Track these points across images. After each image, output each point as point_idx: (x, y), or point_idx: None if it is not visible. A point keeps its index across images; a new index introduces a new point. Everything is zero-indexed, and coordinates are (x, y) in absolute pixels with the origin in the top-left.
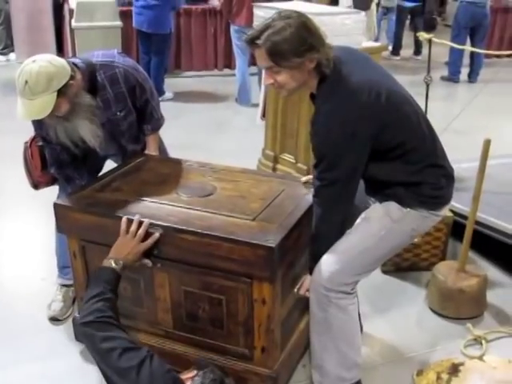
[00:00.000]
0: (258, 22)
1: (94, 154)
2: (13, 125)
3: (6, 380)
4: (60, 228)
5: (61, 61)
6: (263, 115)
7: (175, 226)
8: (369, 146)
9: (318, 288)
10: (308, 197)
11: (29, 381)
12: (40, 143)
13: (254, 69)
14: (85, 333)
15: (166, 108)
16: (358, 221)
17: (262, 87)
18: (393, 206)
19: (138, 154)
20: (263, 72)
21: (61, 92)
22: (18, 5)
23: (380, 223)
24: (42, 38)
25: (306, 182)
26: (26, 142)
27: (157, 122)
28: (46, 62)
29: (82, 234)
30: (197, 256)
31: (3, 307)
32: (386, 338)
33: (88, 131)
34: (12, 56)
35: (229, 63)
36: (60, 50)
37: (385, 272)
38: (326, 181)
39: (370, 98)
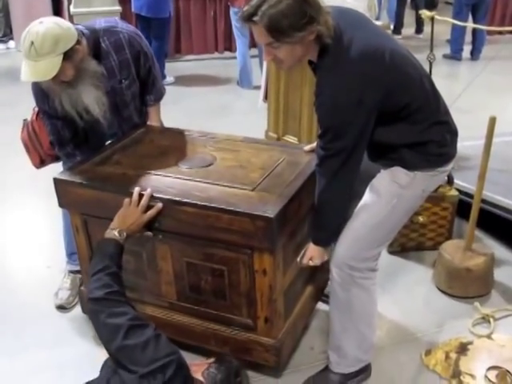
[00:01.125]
0: None
1: (97, 129)
2: (13, 113)
3: (14, 367)
4: (61, 203)
5: (68, 24)
6: (265, 97)
7: (175, 198)
8: (375, 113)
9: (341, 267)
10: (309, 165)
11: (36, 368)
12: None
13: (254, 51)
14: (92, 308)
15: (168, 92)
16: (367, 193)
17: (264, 69)
18: (399, 172)
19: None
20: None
21: (67, 55)
22: None
23: (389, 192)
24: None
25: (310, 151)
26: (25, 120)
27: (159, 92)
28: (53, 23)
29: (83, 209)
30: (197, 228)
31: (10, 295)
32: (393, 318)
33: (93, 98)
34: (11, 44)
35: (229, 46)
36: None
37: (391, 253)
38: (332, 150)
39: (374, 65)
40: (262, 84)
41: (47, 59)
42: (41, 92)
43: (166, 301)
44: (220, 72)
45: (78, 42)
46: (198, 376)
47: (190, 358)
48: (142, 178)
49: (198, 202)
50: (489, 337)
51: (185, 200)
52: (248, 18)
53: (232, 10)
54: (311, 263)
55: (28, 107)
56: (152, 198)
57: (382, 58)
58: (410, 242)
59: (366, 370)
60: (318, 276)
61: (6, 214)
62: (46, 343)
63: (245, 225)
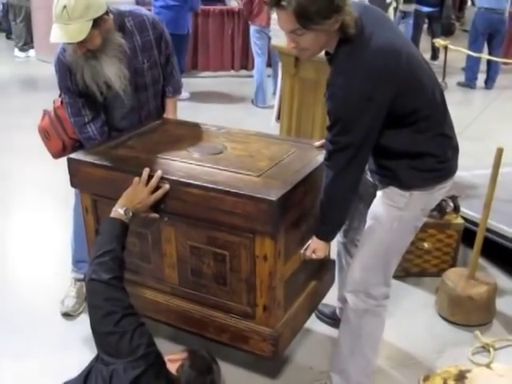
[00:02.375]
0: (274, 25)
1: (115, 109)
2: (29, 121)
3: (22, 371)
4: (73, 183)
5: None
6: (278, 117)
7: (181, 179)
8: (384, 111)
9: (357, 295)
10: (318, 158)
11: (43, 372)
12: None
13: (269, 70)
14: (92, 288)
15: (183, 107)
16: (368, 221)
17: (278, 89)
18: (394, 194)
19: (154, 117)
20: (279, 73)
21: (96, 23)
22: (38, 2)
23: (389, 217)
24: None
25: (320, 147)
26: (45, 110)
27: (177, 83)
28: None
29: (94, 188)
30: (202, 210)
31: (17, 301)
32: (394, 342)
33: (114, 70)
34: (32, 53)
35: (245, 64)
36: None
37: (394, 277)
38: (340, 144)
39: (391, 63)
40: (276, 104)
41: (78, 23)
42: (64, 68)
43: (168, 285)
44: (235, 90)
45: (107, 13)
46: (173, 372)
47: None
48: (153, 161)
49: (204, 184)
50: (488, 366)
51: (190, 181)
52: (276, 3)
53: (253, 28)
54: (314, 256)
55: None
56: (160, 179)
57: (399, 58)
58: (413, 268)
59: None
60: (323, 275)
61: (15, 220)
62: (52, 348)
63: (248, 207)
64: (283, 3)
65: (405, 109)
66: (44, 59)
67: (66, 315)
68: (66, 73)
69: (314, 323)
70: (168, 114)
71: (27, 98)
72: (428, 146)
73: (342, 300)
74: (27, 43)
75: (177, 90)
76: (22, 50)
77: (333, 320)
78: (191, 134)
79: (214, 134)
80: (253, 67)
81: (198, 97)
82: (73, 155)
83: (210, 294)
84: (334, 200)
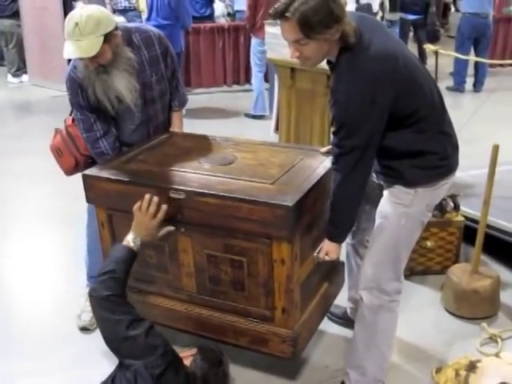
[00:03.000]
0: (269, 39)
1: (126, 124)
2: (25, 145)
3: None
4: (89, 198)
5: (107, 11)
6: (276, 128)
7: (197, 189)
8: (387, 114)
9: (371, 291)
10: (325, 164)
11: None
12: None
13: (266, 85)
14: (93, 304)
15: None
16: (377, 220)
17: (275, 101)
18: (400, 192)
19: (161, 131)
20: (276, 85)
21: (106, 38)
22: (30, 28)
23: (396, 214)
24: (54, 61)
25: (326, 153)
26: (57, 129)
27: (183, 97)
28: (95, 8)
29: (109, 203)
30: (218, 218)
31: (31, 319)
32: (404, 338)
33: (125, 84)
34: (25, 78)
35: (237, 79)
36: None
37: None
38: (345, 148)
39: (390, 67)
40: (274, 115)
41: (89, 39)
42: (75, 84)
43: (186, 293)
44: (229, 104)
45: (116, 28)
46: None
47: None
48: (166, 174)
49: (219, 193)
50: (497, 355)
51: (206, 191)
52: (281, 14)
53: (255, 41)
54: (327, 258)
55: (40, 140)
56: (175, 190)
57: (397, 62)
58: (418, 266)
59: None
60: (334, 277)
61: (23, 241)
62: (72, 363)
63: (264, 214)
64: (287, 14)
65: (405, 110)
66: (37, 83)
67: (84, 329)
68: (78, 89)
69: (326, 324)
70: (174, 128)
71: (22, 123)
72: (429, 145)
73: (353, 300)
74: (20, 69)
75: (182, 104)
76: (15, 75)
77: (344, 320)
78: (200, 146)
79: (221, 145)
80: (245, 81)
81: (193, 113)
82: (87, 171)
83: (228, 299)
84: (344, 202)
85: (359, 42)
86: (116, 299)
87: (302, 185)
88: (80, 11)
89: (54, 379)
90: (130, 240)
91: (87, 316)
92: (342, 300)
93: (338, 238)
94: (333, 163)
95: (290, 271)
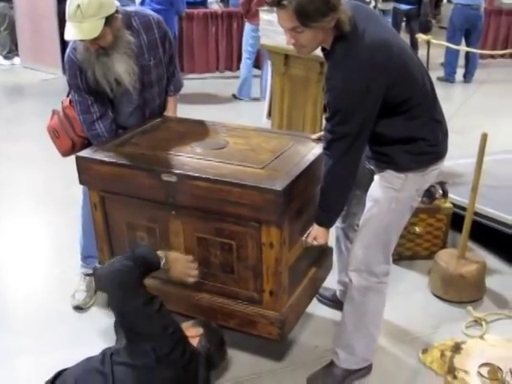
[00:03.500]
0: (263, 25)
1: (123, 106)
2: (18, 129)
3: (38, 365)
4: (82, 180)
5: None
6: (269, 114)
7: (189, 173)
8: (380, 101)
9: (360, 273)
10: (315, 150)
11: (59, 365)
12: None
13: (256, 71)
14: (111, 276)
15: None
16: (367, 203)
17: (268, 87)
18: (391, 177)
19: (156, 115)
20: (269, 70)
21: (108, 21)
22: (23, 10)
23: (387, 198)
24: (46, 43)
25: (317, 139)
26: (54, 110)
27: (178, 83)
28: None
29: (102, 185)
30: (209, 202)
31: (28, 299)
32: (392, 321)
33: (125, 67)
34: (16, 60)
35: (230, 65)
36: (64, 55)
37: None
38: (338, 134)
39: (384, 56)
40: (266, 101)
41: (91, 21)
42: (74, 66)
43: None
44: (221, 90)
45: (117, 11)
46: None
47: None
48: (158, 157)
49: (211, 177)
50: (481, 337)
51: (197, 175)
52: (278, 2)
53: (249, 27)
54: (315, 243)
55: (32, 124)
56: (167, 173)
57: (391, 51)
58: (406, 252)
59: (367, 367)
60: (322, 262)
61: (20, 223)
62: (66, 342)
63: (254, 198)
64: (284, 2)
65: (398, 98)
66: (29, 66)
67: (78, 308)
68: (77, 71)
69: (315, 306)
70: (168, 112)
71: (13, 106)
72: (420, 131)
73: (342, 283)
74: (12, 51)
75: (178, 89)
76: (6, 57)
77: (334, 302)
78: (193, 131)
79: (214, 130)
80: (237, 68)
81: (186, 98)
82: (81, 153)
83: (217, 282)
84: (334, 187)
85: (354, 31)
86: (130, 274)
87: (291, 170)
88: None
89: (49, 358)
90: (163, 258)
91: (81, 295)
92: (331, 283)
93: (326, 223)
94: (324, 148)
95: (278, 255)
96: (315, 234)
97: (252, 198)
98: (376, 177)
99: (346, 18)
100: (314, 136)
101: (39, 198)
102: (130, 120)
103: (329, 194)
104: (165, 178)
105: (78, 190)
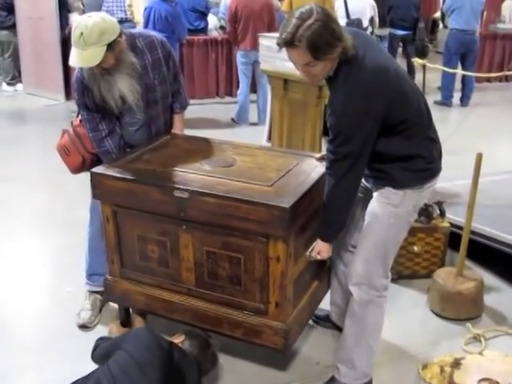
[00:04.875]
0: (262, 51)
1: (129, 124)
2: (21, 151)
3: (42, 382)
4: (95, 194)
5: (112, 19)
6: (269, 138)
7: (199, 189)
8: (380, 122)
9: (360, 287)
10: (319, 169)
11: (62, 381)
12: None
13: (253, 96)
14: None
15: None
16: (367, 219)
17: (268, 111)
18: (389, 193)
19: (163, 132)
20: (268, 95)
21: (110, 46)
22: (26, 37)
23: (386, 214)
24: (49, 70)
25: (320, 158)
26: (64, 129)
27: (184, 100)
28: (100, 18)
29: (115, 200)
30: (218, 217)
31: (33, 318)
32: (392, 338)
33: (127, 85)
34: (19, 86)
35: (230, 91)
36: (67, 82)
37: None
38: (340, 155)
39: (382, 80)
40: (266, 125)
41: (93, 48)
42: (82, 85)
43: (185, 287)
44: (221, 115)
45: (120, 35)
46: None
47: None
48: (169, 173)
49: (219, 193)
50: (480, 353)
51: (208, 191)
52: (290, 43)
53: (239, 53)
54: (319, 257)
55: (35, 146)
56: (179, 189)
57: (389, 76)
58: (405, 270)
59: (367, 383)
60: (323, 277)
61: (25, 243)
62: (70, 359)
63: (262, 214)
64: (296, 43)
65: (396, 119)
66: (32, 92)
67: (83, 327)
68: (84, 90)
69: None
70: (175, 129)
71: (16, 131)
72: (417, 149)
73: (335, 304)
74: (15, 77)
75: (184, 106)
76: (9, 84)
77: (328, 323)
78: (201, 149)
79: (221, 149)
80: (237, 94)
81: (186, 123)
82: (95, 169)
83: (225, 293)
84: (336, 204)
85: (355, 57)
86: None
87: (297, 188)
88: (86, 21)
89: (54, 374)
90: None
91: (86, 314)
92: (325, 304)
93: (329, 238)
94: (327, 168)
95: (284, 268)
96: (319, 249)
97: (260, 214)
98: (375, 194)
99: (350, 44)
100: (318, 155)
101: (42, 219)
102: (136, 137)
103: (331, 211)
104: (177, 194)
105: (79, 211)
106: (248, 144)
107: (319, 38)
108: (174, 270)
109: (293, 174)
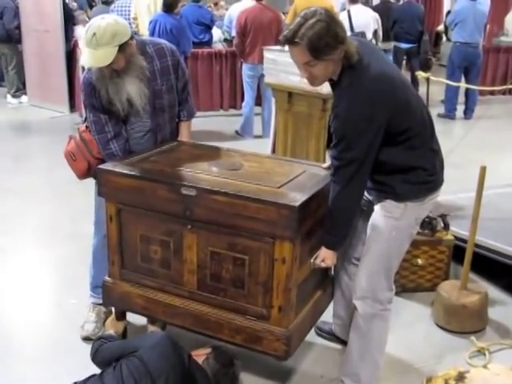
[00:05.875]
0: (267, 64)
1: (135, 128)
2: (27, 165)
3: None
4: (101, 192)
5: (125, 22)
6: (273, 151)
7: (208, 187)
8: (383, 130)
9: (365, 300)
10: (326, 177)
11: None
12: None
13: (258, 109)
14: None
15: None
16: (369, 232)
17: (272, 124)
18: (391, 206)
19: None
20: (272, 109)
21: (121, 48)
22: (31, 49)
23: (387, 227)
24: (53, 82)
25: (327, 168)
26: (71, 136)
27: (191, 109)
28: (113, 20)
29: (120, 197)
30: (226, 216)
31: (38, 330)
32: (396, 351)
33: (136, 88)
34: (24, 99)
35: (234, 103)
36: (71, 94)
37: None
38: (344, 160)
39: (387, 88)
40: (270, 139)
41: (105, 49)
42: (89, 86)
43: (186, 290)
44: (225, 127)
45: (131, 38)
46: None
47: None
48: (177, 173)
49: (230, 191)
50: (485, 367)
51: (217, 189)
52: (291, 40)
53: (245, 66)
54: (323, 264)
55: (40, 159)
56: (187, 186)
57: (393, 84)
58: (409, 284)
59: None
60: (326, 287)
61: (30, 256)
62: (74, 371)
63: (270, 213)
64: (296, 40)
65: (398, 128)
66: (37, 104)
67: (87, 339)
68: (91, 90)
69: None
70: (182, 137)
71: (21, 143)
72: (420, 161)
73: (338, 316)
74: (19, 90)
75: (191, 115)
76: (14, 96)
77: (331, 335)
78: (208, 154)
79: (229, 155)
80: (241, 106)
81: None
82: (102, 166)
83: (227, 297)
84: (340, 212)
85: (360, 63)
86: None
87: (306, 190)
88: (99, 22)
89: None
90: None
91: (90, 326)
92: (329, 316)
93: (333, 246)
94: (332, 175)
95: (289, 270)
96: (323, 256)
97: (268, 213)
98: (376, 207)
99: (353, 49)
100: (324, 165)
101: (46, 231)
102: (142, 144)
103: (335, 218)
104: (184, 191)
105: (84, 224)
106: (255, 152)
107: (320, 38)
108: (176, 271)
109: (300, 179)
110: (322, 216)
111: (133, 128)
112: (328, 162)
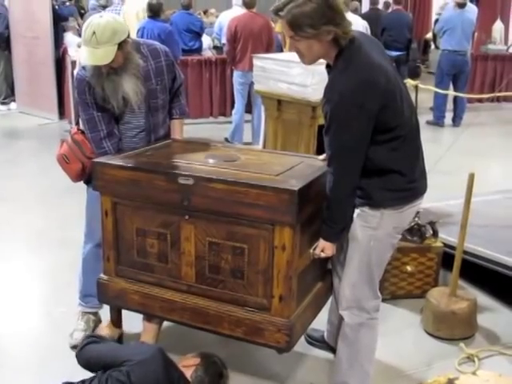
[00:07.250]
0: (256, 72)
1: (128, 127)
2: (16, 171)
3: None
4: (96, 186)
5: (122, 20)
6: None
7: (206, 175)
8: (373, 120)
9: (351, 310)
10: (323, 166)
11: None
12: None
13: (248, 116)
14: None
15: None
16: (349, 243)
17: (262, 128)
18: (367, 215)
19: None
20: (262, 116)
21: (120, 46)
22: (21, 57)
23: (365, 237)
24: (43, 89)
25: (323, 160)
26: (62, 139)
27: (183, 107)
28: (112, 18)
29: (116, 190)
30: (225, 204)
31: (26, 338)
32: (386, 358)
33: (132, 86)
34: (13, 105)
35: (223, 111)
36: (60, 101)
37: (382, 300)
38: (334, 147)
39: (381, 78)
40: (261, 142)
41: (105, 47)
42: (83, 83)
43: (185, 283)
44: (215, 135)
45: (128, 36)
46: (187, 376)
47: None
48: (174, 164)
49: (228, 179)
50: (474, 373)
51: (215, 177)
52: (276, 12)
53: (236, 73)
54: (323, 254)
55: (29, 165)
56: (184, 175)
57: (387, 76)
58: (399, 291)
59: None
60: (326, 280)
61: (20, 264)
62: (62, 380)
63: (270, 199)
64: (280, 13)
65: (386, 124)
66: (26, 111)
67: (76, 348)
68: (85, 88)
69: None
70: (174, 134)
71: (10, 149)
72: (398, 164)
73: (331, 322)
74: (8, 96)
75: (182, 112)
76: (3, 103)
77: (322, 343)
78: (203, 148)
79: (225, 149)
80: (230, 113)
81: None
82: (98, 159)
83: (226, 288)
84: (337, 202)
85: (357, 50)
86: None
87: (305, 177)
88: (98, 20)
89: None
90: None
91: (79, 335)
92: (322, 323)
93: (331, 237)
94: (327, 165)
95: (290, 257)
96: (322, 246)
97: (268, 198)
98: (354, 215)
99: (342, 33)
100: (321, 157)
101: (35, 238)
102: (135, 141)
103: (331, 209)
104: (181, 181)
105: (73, 231)
106: (250, 147)
107: (303, 17)
108: (174, 265)
109: (299, 168)
110: (320, 204)
111: (127, 127)
112: (324, 155)
